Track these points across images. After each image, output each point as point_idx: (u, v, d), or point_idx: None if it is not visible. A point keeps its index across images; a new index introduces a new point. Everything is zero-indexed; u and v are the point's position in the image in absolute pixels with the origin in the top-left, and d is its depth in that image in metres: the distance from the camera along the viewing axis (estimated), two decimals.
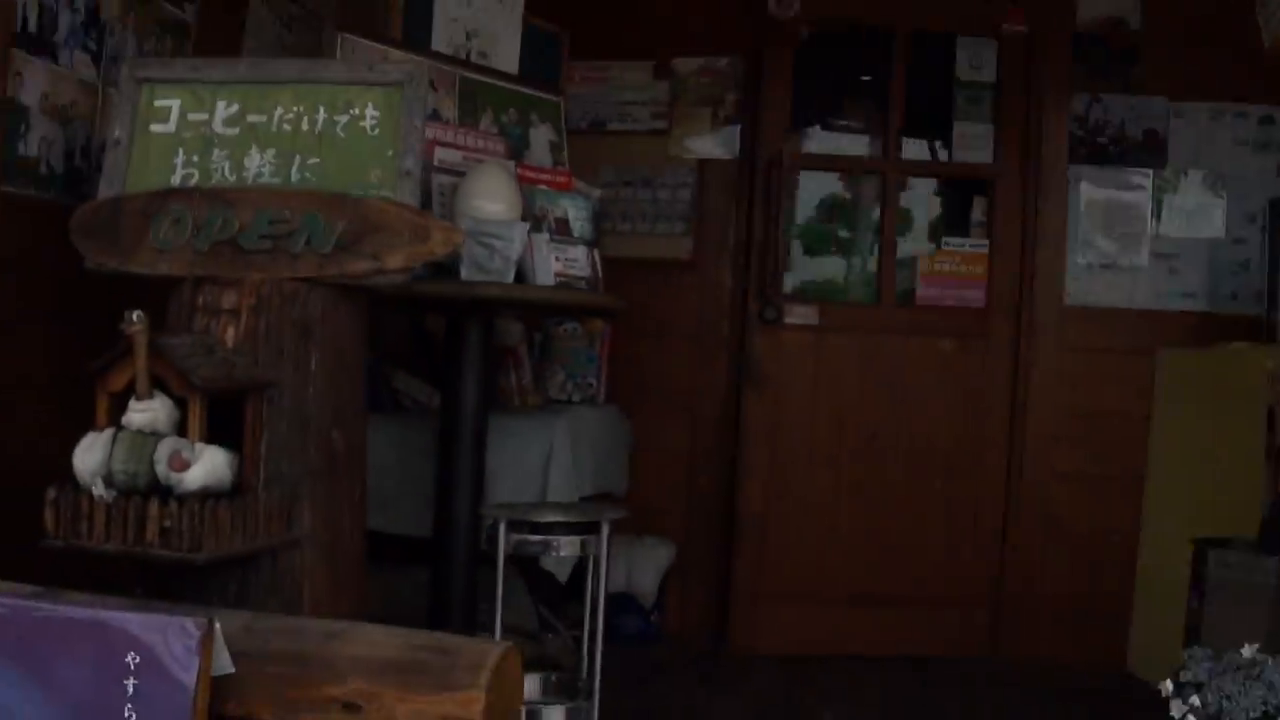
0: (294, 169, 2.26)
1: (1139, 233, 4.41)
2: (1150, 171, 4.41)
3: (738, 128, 4.61)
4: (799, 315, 4.49)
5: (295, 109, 2.28)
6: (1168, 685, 2.65)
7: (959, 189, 4.85)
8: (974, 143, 4.46)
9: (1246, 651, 2.64)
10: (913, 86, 4.55)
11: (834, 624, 4.39)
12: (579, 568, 3.35)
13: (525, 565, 3.98)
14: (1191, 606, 3.17)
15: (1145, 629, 4.25)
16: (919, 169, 4.94)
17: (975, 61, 4.57)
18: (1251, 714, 2.47)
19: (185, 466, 2.01)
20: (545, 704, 2.72)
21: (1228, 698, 2.53)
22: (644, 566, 4.37)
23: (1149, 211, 4.41)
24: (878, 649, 4.37)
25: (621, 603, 4.39)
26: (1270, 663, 2.59)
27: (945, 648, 4.38)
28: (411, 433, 3.54)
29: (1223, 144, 4.39)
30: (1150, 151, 4.40)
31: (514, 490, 3.46)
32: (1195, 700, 2.58)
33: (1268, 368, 3.42)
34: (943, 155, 4.77)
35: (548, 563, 3.52)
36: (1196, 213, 4.39)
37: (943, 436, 4.43)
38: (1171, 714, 2.61)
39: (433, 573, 3.12)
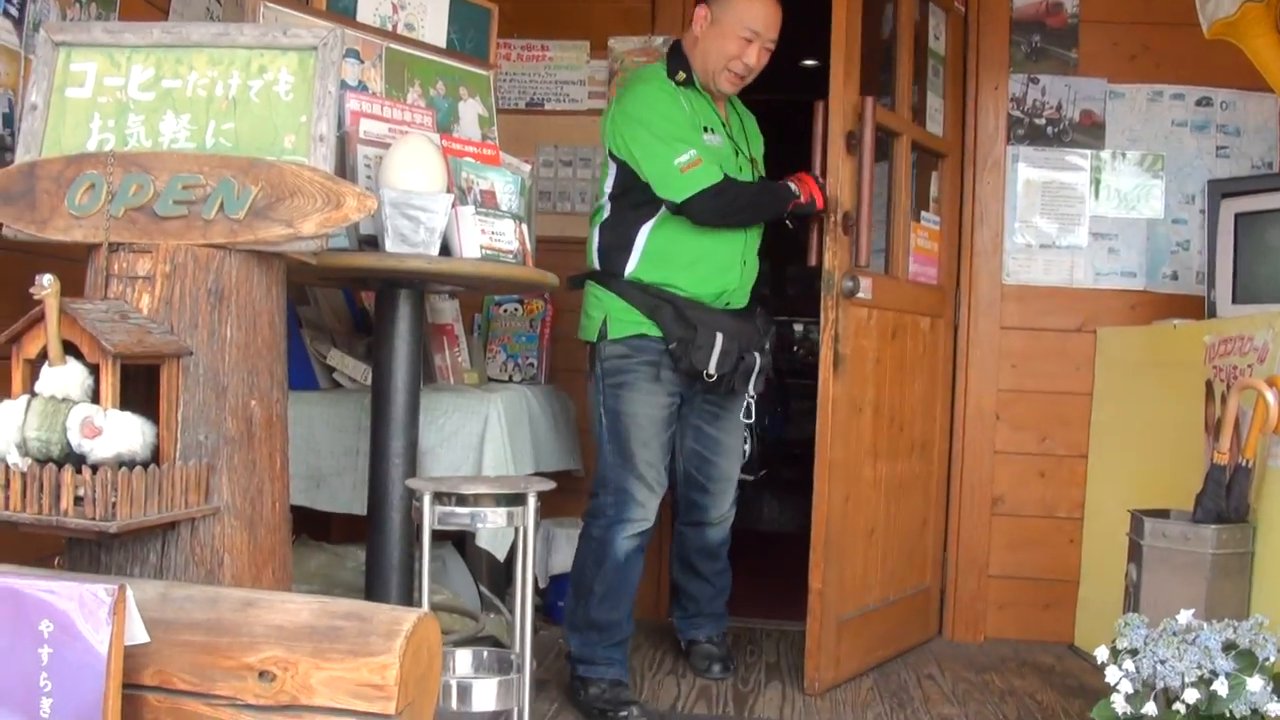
0: (209, 134, 2.23)
1: (1077, 213, 4.43)
2: (1088, 152, 4.43)
3: None
4: None
5: (210, 74, 2.24)
6: (1103, 651, 2.67)
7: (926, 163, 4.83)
8: (936, 116, 4.44)
9: (1182, 618, 2.67)
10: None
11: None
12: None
13: (468, 546, 3.98)
14: (1130, 577, 3.19)
15: (1090, 603, 4.29)
16: None
17: (937, 32, 4.56)
18: (1186, 678, 2.50)
19: (97, 433, 1.98)
20: (476, 679, 2.69)
21: (1162, 662, 2.55)
22: None
23: (1087, 191, 4.43)
24: None
25: (567, 584, 4.37)
26: (1205, 628, 2.61)
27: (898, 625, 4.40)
28: (347, 410, 3.52)
29: (1161, 125, 4.42)
30: (1088, 132, 4.42)
31: (449, 468, 3.44)
32: (1130, 665, 2.60)
33: (1206, 342, 3.45)
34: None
35: (482, 538, 3.50)
36: (1135, 193, 4.42)
37: (908, 415, 4.40)
38: (1107, 679, 2.63)
39: (369, 550, 3.09)
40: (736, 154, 3.59)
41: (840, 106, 3.62)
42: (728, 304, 3.55)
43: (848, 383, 3.71)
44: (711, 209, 3.39)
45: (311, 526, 3.89)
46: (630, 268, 3.48)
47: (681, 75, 3.51)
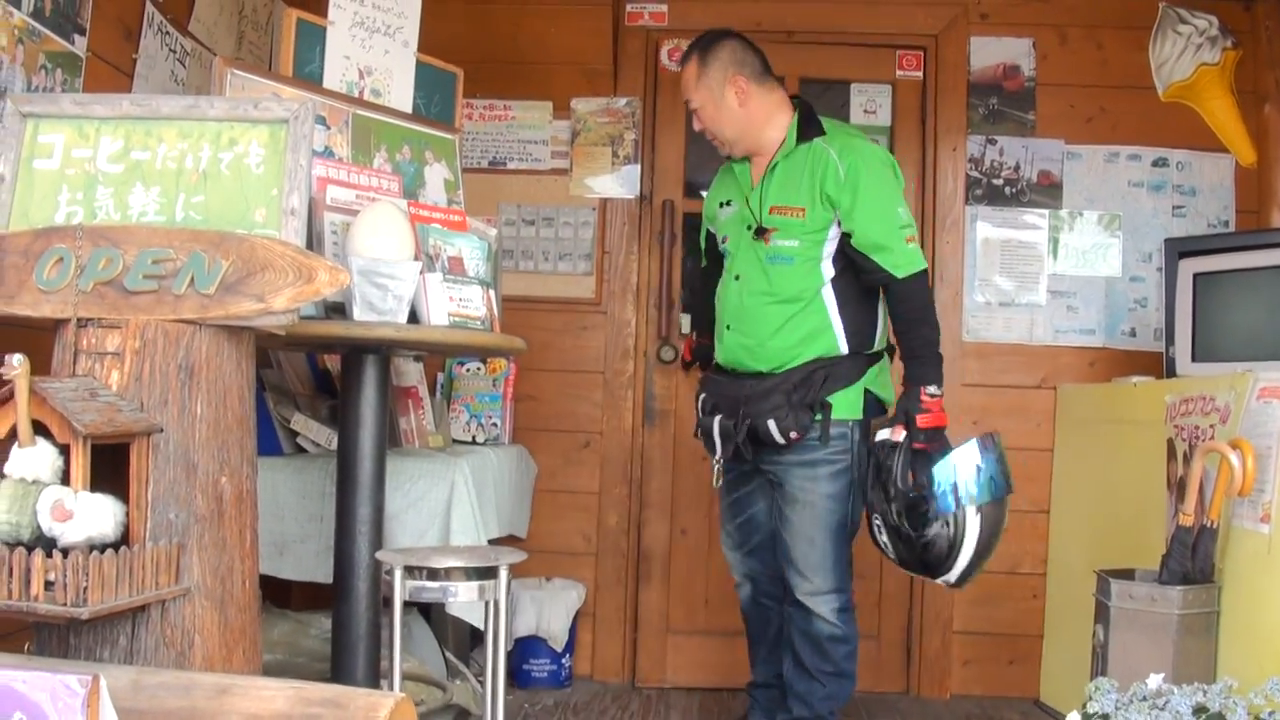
0: (179, 207, 2.21)
1: (1036, 271, 4.49)
2: (1046, 211, 4.49)
3: (637, 167, 4.62)
4: None
5: (180, 146, 2.22)
6: (1075, 717, 2.66)
7: None
8: None
9: (1152, 682, 2.67)
10: None
11: (741, 658, 4.37)
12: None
13: (433, 610, 3.93)
14: (1097, 638, 3.20)
15: (1055, 660, 4.30)
16: None
17: (870, 106, 4.65)
18: None
19: (68, 517, 1.94)
20: None
21: None
22: (554, 609, 4.33)
23: (1046, 250, 4.49)
24: None
25: (532, 646, 4.35)
26: (1176, 693, 2.61)
27: (860, 682, 4.38)
28: (311, 476, 3.47)
29: (1117, 185, 4.49)
30: (1046, 192, 4.49)
31: (416, 534, 3.40)
32: None
33: (1167, 401, 3.49)
34: None
35: (455, 607, 3.46)
36: (1093, 252, 4.48)
37: None
38: None
39: (335, 619, 3.05)
40: (742, 219, 3.50)
41: None
42: (734, 368, 3.51)
43: None
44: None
45: (273, 593, 3.84)
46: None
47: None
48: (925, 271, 3.35)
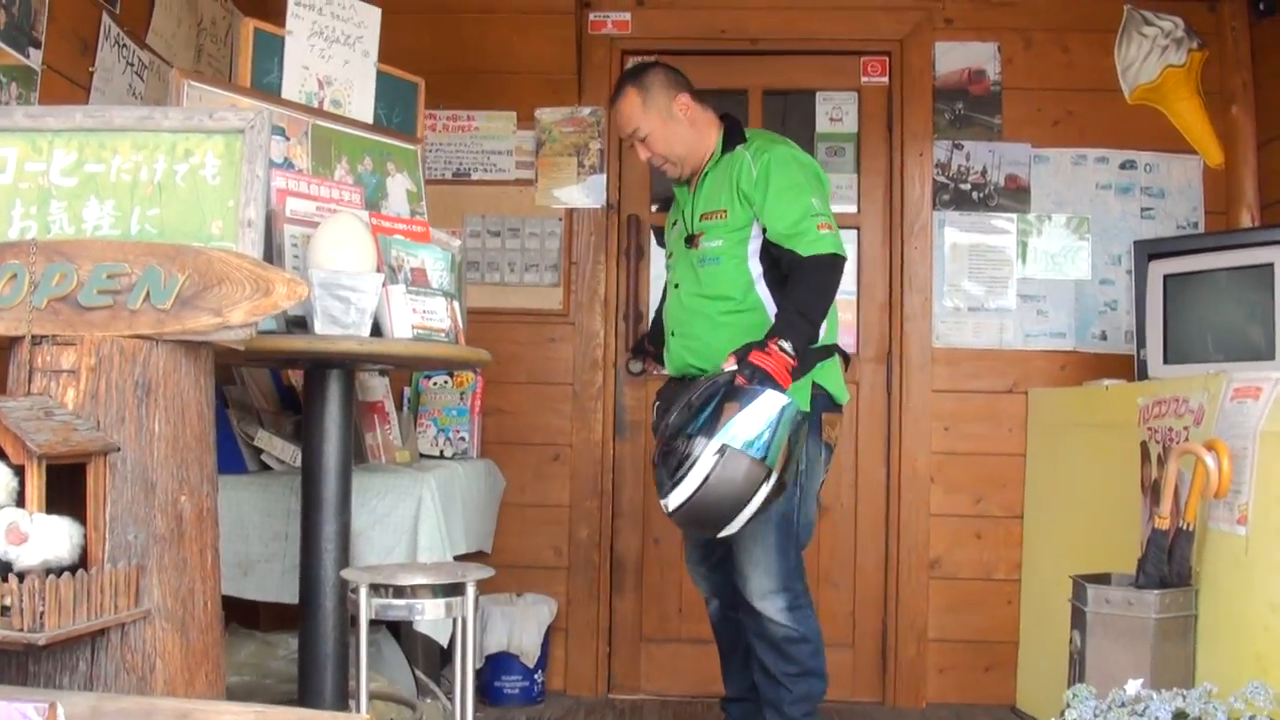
0: (134, 221, 2.15)
1: (1005, 275, 4.48)
2: (1014, 215, 4.48)
3: (603, 177, 4.59)
4: None
5: (134, 158, 2.17)
6: None
7: None
8: (838, 194, 4.46)
9: (1131, 688, 2.65)
10: None
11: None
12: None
13: (403, 628, 3.88)
14: (1074, 644, 3.18)
15: (1031, 666, 4.28)
16: None
17: (835, 114, 4.64)
18: None
19: (23, 540, 1.89)
20: None
21: None
22: (525, 624, 4.29)
23: (1015, 254, 4.48)
24: None
25: (504, 663, 4.30)
26: (1155, 698, 2.59)
27: (833, 691, 4.36)
28: (276, 494, 3.42)
29: (1085, 188, 4.49)
30: (1013, 196, 4.48)
31: (384, 550, 3.35)
32: None
33: (1139, 404, 3.47)
34: None
35: (423, 624, 3.41)
36: (1062, 255, 4.47)
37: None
38: None
39: (301, 638, 2.99)
40: (681, 232, 3.61)
41: None
42: (682, 375, 3.54)
43: None
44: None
45: (240, 613, 3.77)
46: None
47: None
48: (837, 258, 3.29)
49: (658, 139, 3.52)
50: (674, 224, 3.69)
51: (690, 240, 3.51)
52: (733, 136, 3.53)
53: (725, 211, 3.44)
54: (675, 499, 3.03)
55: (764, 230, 3.38)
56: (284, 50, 2.99)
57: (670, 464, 3.07)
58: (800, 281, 3.29)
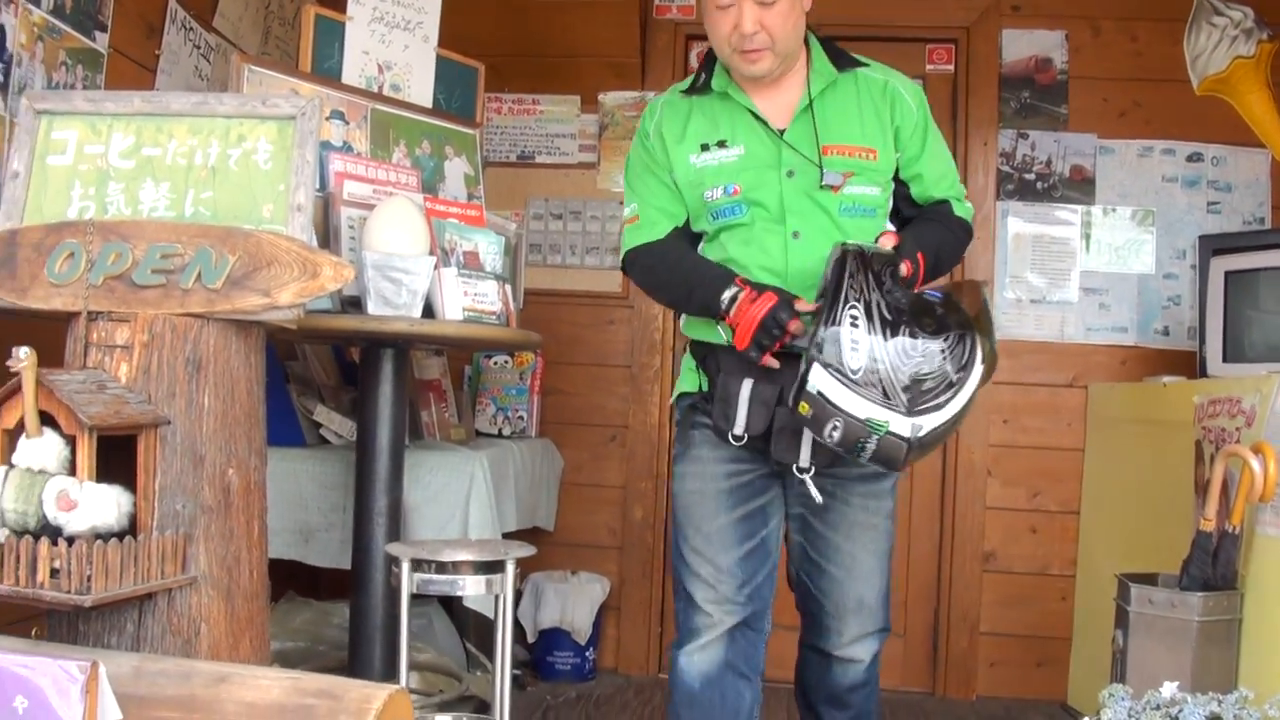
0: (188, 203, 2.22)
1: (1068, 267, 4.44)
2: (1079, 207, 4.44)
3: None
4: None
5: (189, 142, 2.24)
6: None
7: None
8: None
9: (1166, 690, 2.64)
10: None
11: (770, 653, 4.37)
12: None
13: (455, 602, 3.95)
14: (1116, 643, 3.16)
15: (1084, 663, 4.25)
16: None
17: None
18: None
19: (73, 506, 1.97)
20: None
21: None
22: (578, 602, 4.35)
23: (1078, 246, 4.44)
24: None
25: (556, 639, 4.37)
26: (1190, 702, 2.58)
27: (883, 680, 4.37)
28: (333, 467, 3.50)
29: (1151, 180, 4.43)
30: (1078, 187, 4.43)
31: (437, 526, 3.42)
32: None
33: (1195, 402, 3.44)
34: None
35: (469, 601, 3.48)
36: (1126, 248, 4.42)
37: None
38: None
39: (352, 609, 3.08)
40: (771, 162, 2.66)
41: None
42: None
43: None
44: (635, 279, 2.79)
45: (300, 581, 3.87)
46: (683, 315, 2.80)
47: (701, 79, 2.76)
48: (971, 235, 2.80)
49: (780, 12, 2.56)
50: (717, 145, 2.69)
51: (824, 179, 2.62)
52: (839, 54, 2.75)
53: (876, 152, 2.66)
54: (933, 420, 2.41)
55: (903, 184, 2.75)
56: (344, 35, 3.06)
57: (926, 382, 2.39)
58: (953, 231, 2.74)
